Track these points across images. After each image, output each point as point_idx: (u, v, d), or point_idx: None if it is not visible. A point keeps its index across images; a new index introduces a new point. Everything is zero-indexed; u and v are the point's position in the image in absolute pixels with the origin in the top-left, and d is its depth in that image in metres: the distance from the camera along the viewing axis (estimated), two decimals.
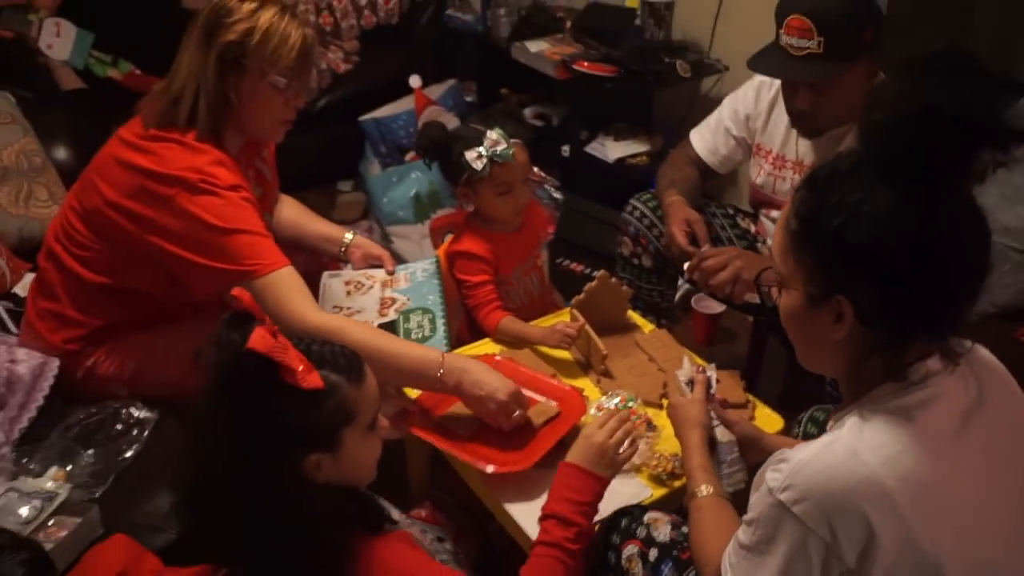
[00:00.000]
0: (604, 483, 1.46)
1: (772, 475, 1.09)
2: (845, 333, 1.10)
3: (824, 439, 1.11)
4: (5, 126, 2.59)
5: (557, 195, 3.50)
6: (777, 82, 2.16)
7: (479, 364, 1.74)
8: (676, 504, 1.57)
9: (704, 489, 1.38)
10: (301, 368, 1.19)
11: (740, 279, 1.95)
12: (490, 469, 1.63)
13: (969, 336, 1.16)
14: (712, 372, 1.64)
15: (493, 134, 1.95)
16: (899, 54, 2.80)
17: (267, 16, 1.77)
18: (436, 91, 3.51)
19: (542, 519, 1.44)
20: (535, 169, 3.58)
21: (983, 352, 1.21)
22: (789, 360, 2.59)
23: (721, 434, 1.56)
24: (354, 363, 1.32)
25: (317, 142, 3.74)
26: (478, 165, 1.95)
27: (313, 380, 1.20)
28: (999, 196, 2.93)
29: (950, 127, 0.99)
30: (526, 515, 1.58)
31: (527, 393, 1.78)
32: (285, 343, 1.20)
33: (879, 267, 1.04)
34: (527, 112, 3.61)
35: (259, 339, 1.18)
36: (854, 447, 1.06)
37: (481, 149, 1.95)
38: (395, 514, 1.58)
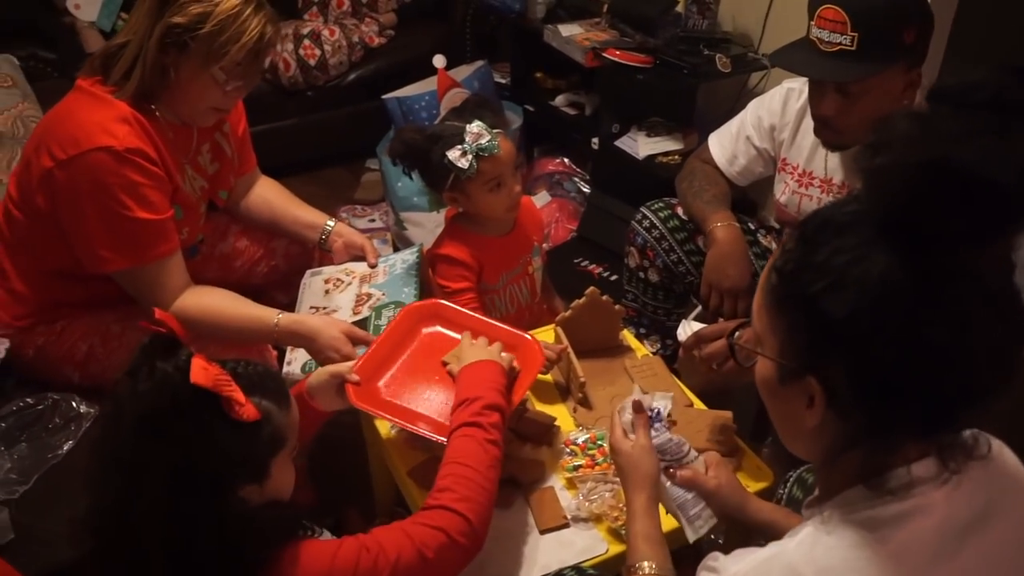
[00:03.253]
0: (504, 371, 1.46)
1: None
2: (817, 421, 0.89)
3: (768, 549, 0.91)
4: (4, 89, 2.52)
5: (586, 189, 3.30)
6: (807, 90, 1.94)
7: (314, 318, 1.80)
8: None
9: (646, 566, 1.18)
10: (242, 400, 1.11)
11: (749, 370, 1.65)
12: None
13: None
14: (665, 402, 1.39)
15: (474, 127, 1.77)
16: (957, 73, 2.52)
17: (228, 4, 1.63)
18: (464, 72, 3.33)
19: (452, 412, 1.39)
20: (564, 160, 3.40)
21: (1006, 455, 0.97)
22: None
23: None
24: (280, 386, 1.25)
25: (345, 117, 3.66)
26: (463, 163, 1.78)
27: (251, 411, 1.13)
28: None
29: (967, 187, 0.76)
30: None
31: None
32: (224, 374, 1.11)
33: (858, 349, 0.83)
34: (560, 99, 3.41)
35: (201, 371, 1.09)
36: (796, 567, 0.86)
37: (464, 146, 1.78)
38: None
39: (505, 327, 1.67)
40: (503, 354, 1.50)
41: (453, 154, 1.78)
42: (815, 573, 0.85)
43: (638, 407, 1.34)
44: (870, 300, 0.81)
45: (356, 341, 1.73)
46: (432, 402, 1.55)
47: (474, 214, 1.91)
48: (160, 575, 1.11)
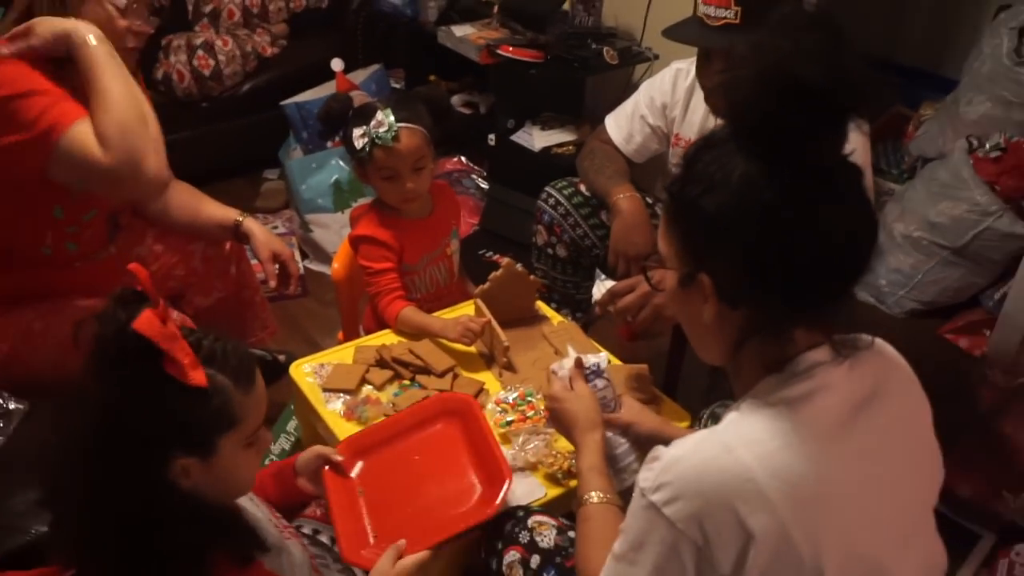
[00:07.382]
0: None
1: (644, 475, 1.02)
2: (713, 314, 1.05)
3: (699, 434, 1.04)
4: None
5: (484, 185, 3.41)
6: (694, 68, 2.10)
7: None
8: (571, 505, 1.49)
9: (595, 495, 1.29)
10: (187, 361, 1.09)
11: (661, 316, 1.79)
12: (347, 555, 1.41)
13: (893, 333, 1.14)
14: (600, 358, 1.54)
15: (380, 114, 1.86)
16: None
17: None
18: (360, 76, 3.40)
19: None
20: (462, 159, 3.50)
21: (886, 348, 1.15)
22: None
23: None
24: (246, 365, 1.21)
25: (242, 128, 3.64)
26: (358, 144, 1.88)
27: (197, 377, 1.10)
28: (926, 192, 2.89)
29: (789, 90, 0.93)
30: None
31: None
32: (174, 331, 1.09)
33: (729, 239, 1.00)
34: (456, 100, 3.52)
35: (146, 322, 1.07)
36: (728, 442, 0.99)
37: (366, 127, 1.86)
38: (272, 533, 1.41)
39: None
40: None
41: (356, 132, 1.87)
42: (743, 444, 0.98)
43: (579, 363, 1.50)
44: (733, 196, 0.98)
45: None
46: (392, 517, 1.46)
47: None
48: (91, 545, 1.12)
